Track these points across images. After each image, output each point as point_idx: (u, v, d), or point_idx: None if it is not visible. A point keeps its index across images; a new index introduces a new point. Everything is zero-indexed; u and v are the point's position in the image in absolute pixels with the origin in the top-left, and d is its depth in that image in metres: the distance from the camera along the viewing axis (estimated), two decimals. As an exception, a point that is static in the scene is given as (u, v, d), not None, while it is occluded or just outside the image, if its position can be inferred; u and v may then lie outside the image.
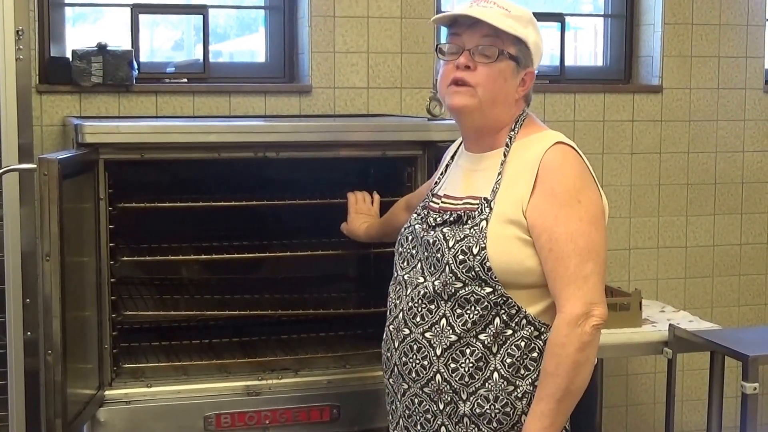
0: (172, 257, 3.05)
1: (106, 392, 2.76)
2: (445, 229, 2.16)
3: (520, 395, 2.09)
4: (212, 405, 2.82)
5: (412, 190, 2.93)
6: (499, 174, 2.16)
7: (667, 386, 3.28)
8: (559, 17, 4.04)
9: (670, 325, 3.24)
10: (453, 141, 2.45)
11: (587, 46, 4.38)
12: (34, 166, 2.46)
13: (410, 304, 2.19)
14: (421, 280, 2.18)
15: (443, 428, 2.14)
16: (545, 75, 4.04)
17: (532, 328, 2.11)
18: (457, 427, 2.13)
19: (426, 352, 2.15)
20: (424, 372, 2.15)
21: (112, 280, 2.78)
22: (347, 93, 3.67)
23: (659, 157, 4.05)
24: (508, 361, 2.10)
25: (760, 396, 2.97)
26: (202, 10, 3.64)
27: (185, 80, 3.59)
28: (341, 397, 2.87)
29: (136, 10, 3.56)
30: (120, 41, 3.50)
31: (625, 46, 4.15)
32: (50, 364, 2.40)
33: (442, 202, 2.24)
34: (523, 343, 2.10)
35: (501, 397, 2.10)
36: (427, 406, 2.16)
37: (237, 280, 3.27)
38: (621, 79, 4.15)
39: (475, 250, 2.10)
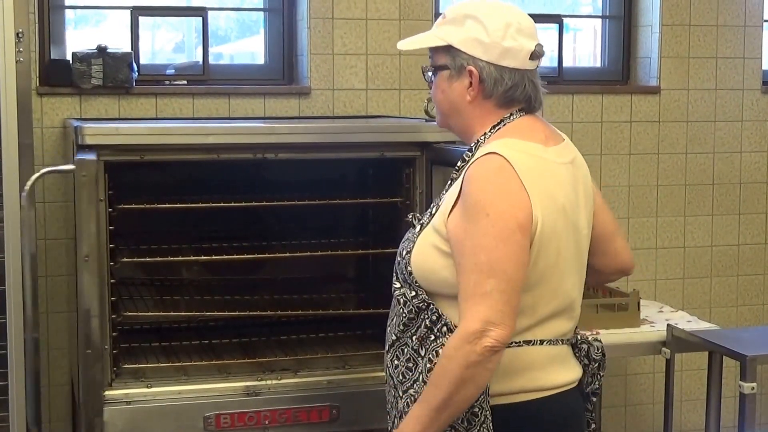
0: (172, 258, 3.07)
1: (107, 392, 2.77)
2: (408, 234, 2.19)
3: None
4: (212, 405, 2.83)
5: (411, 191, 2.94)
6: (452, 182, 2.14)
7: (666, 386, 3.29)
8: (557, 19, 4.05)
9: (668, 325, 3.25)
10: (450, 142, 2.46)
11: (585, 48, 4.39)
12: (72, 167, 2.52)
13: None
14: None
15: (396, 421, 2.16)
16: (543, 76, 4.03)
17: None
18: (399, 422, 2.13)
19: (386, 348, 2.20)
20: (384, 365, 2.21)
21: (112, 281, 2.79)
22: (346, 94, 3.68)
23: (657, 157, 4.06)
24: (428, 366, 2.07)
25: (758, 396, 2.98)
26: (201, 12, 3.66)
27: (185, 82, 3.60)
28: (341, 397, 2.88)
29: (136, 12, 3.57)
30: (121, 43, 3.52)
31: (623, 47, 4.16)
32: (91, 361, 2.52)
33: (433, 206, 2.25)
34: (441, 350, 2.04)
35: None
36: (389, 398, 2.21)
37: (237, 281, 3.28)
38: (619, 80, 4.16)
39: (404, 254, 2.13)
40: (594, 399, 2.28)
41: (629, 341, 3.26)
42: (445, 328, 2.07)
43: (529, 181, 2.02)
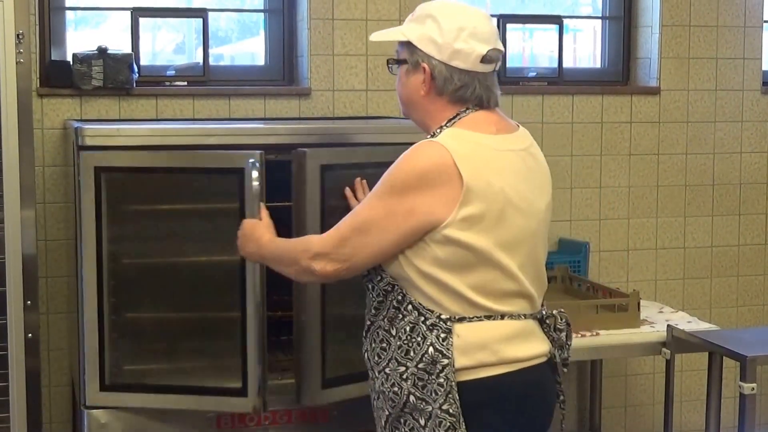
0: (174, 259, 3.06)
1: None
2: None
3: (405, 377, 2.21)
4: (212, 406, 2.84)
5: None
6: None
7: (666, 387, 3.29)
8: (557, 19, 4.05)
9: (668, 325, 3.25)
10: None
11: (585, 48, 4.39)
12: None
13: None
14: None
15: (375, 402, 2.33)
16: (543, 77, 4.06)
17: (417, 313, 2.21)
18: (377, 402, 2.31)
19: (364, 334, 2.36)
20: (363, 349, 2.37)
21: (112, 282, 2.80)
22: (346, 95, 3.68)
23: (657, 158, 4.07)
24: (398, 343, 2.23)
25: (758, 396, 2.98)
26: (201, 13, 3.66)
27: (185, 83, 3.61)
28: (340, 398, 2.88)
29: (136, 13, 3.57)
30: (121, 45, 3.52)
31: (623, 47, 4.16)
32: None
33: None
34: (408, 327, 2.21)
35: (391, 377, 2.23)
36: (370, 381, 2.36)
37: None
38: (619, 80, 4.17)
39: None
40: (565, 370, 2.39)
41: (629, 342, 3.27)
42: (410, 306, 2.22)
43: (466, 166, 2.15)
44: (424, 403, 2.18)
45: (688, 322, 3.42)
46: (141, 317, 3.04)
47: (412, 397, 2.19)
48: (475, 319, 2.19)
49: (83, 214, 2.75)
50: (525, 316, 2.25)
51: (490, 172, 2.18)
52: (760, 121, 4.19)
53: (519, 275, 2.22)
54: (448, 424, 2.16)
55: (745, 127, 4.17)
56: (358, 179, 2.70)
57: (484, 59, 2.24)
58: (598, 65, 4.25)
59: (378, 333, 2.29)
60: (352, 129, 3.13)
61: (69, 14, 3.64)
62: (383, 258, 2.22)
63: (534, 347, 2.26)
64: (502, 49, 2.30)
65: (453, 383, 2.15)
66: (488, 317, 2.20)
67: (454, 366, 2.16)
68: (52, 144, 3.39)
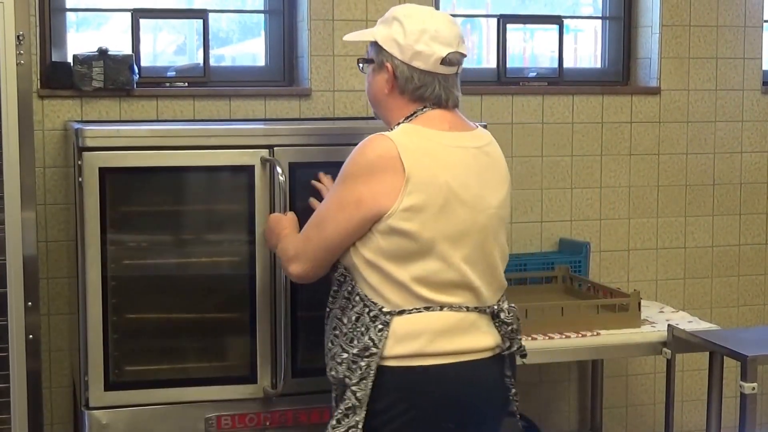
0: (173, 260, 3.06)
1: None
2: None
3: (341, 361, 2.31)
4: (213, 407, 2.84)
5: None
6: None
7: (667, 386, 3.29)
8: (557, 20, 4.05)
9: (669, 325, 3.25)
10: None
11: (586, 48, 4.39)
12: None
13: None
14: None
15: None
16: (544, 77, 4.06)
17: (363, 305, 2.30)
18: (333, 387, 2.42)
19: (325, 321, 2.49)
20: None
21: (112, 283, 2.80)
22: (347, 96, 3.68)
23: (657, 158, 4.07)
24: (344, 331, 2.33)
25: (759, 396, 2.98)
26: (202, 14, 3.67)
27: (186, 84, 3.61)
28: (341, 398, 2.88)
29: (137, 14, 3.58)
30: (122, 46, 3.52)
31: (624, 48, 4.16)
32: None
33: None
34: (354, 317, 2.31)
35: (332, 362, 2.34)
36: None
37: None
38: (619, 80, 4.17)
39: None
40: (524, 361, 2.47)
41: (630, 342, 3.27)
42: (358, 298, 2.32)
43: (409, 157, 2.25)
44: (348, 380, 2.29)
45: (688, 322, 3.43)
46: (144, 317, 3.04)
47: (347, 380, 2.29)
48: (414, 311, 2.27)
49: (86, 215, 2.76)
50: (468, 308, 2.31)
51: (435, 165, 2.27)
52: (760, 121, 4.19)
53: (462, 267, 2.28)
54: (350, 404, 2.26)
55: (745, 127, 4.17)
56: (322, 173, 2.74)
57: (444, 61, 2.33)
58: (598, 65, 4.25)
59: (333, 320, 2.39)
60: (353, 129, 3.13)
61: (70, 15, 3.64)
62: (339, 250, 2.32)
63: (474, 340, 2.32)
64: (466, 52, 2.39)
65: (372, 372, 2.24)
66: (427, 308, 2.27)
67: (380, 356, 2.25)
68: (53, 145, 3.40)
